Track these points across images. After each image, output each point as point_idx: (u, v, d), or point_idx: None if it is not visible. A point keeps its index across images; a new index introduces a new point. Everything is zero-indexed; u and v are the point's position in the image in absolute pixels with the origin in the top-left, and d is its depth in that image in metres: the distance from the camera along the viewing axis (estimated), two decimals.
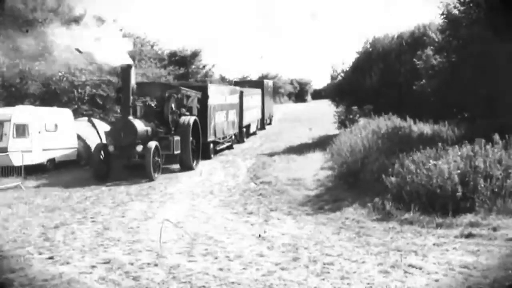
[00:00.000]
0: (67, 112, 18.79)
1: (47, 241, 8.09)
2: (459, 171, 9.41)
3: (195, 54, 41.75)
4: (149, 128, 15.80)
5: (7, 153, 15.05)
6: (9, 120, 15.49)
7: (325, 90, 48.53)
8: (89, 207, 11.03)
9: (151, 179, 14.63)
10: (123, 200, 11.73)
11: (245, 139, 26.45)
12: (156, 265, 6.80)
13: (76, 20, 26.06)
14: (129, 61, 15.66)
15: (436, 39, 15.36)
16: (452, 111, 15.35)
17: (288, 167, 16.12)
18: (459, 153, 10.22)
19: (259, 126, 31.41)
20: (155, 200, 11.77)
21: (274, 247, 7.65)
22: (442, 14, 14.24)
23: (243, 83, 35.31)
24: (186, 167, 17.03)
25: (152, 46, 33.27)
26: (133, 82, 15.46)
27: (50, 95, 22.50)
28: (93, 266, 6.72)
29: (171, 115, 16.90)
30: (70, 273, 6.46)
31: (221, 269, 6.60)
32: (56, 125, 17.39)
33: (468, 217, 8.49)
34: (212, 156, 20.17)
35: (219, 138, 21.57)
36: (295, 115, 43.92)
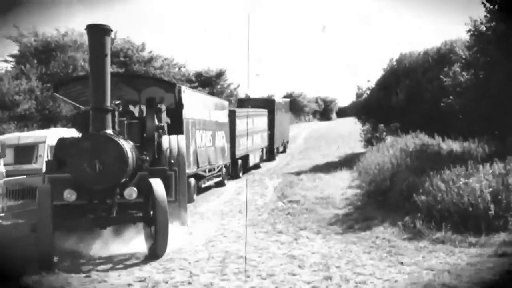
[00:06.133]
0: None
1: (84, 259, 8.28)
2: (491, 189, 9.32)
3: (220, 74, 42.35)
4: (134, 155, 8.86)
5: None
6: (44, 142, 15.95)
7: (350, 108, 48.28)
8: None
9: (158, 254, 8.21)
10: None
11: (240, 174, 20.20)
12: (189, 283, 6.92)
13: None
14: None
15: (463, 56, 15.27)
16: (482, 129, 15.17)
17: (315, 185, 16.13)
18: (491, 171, 10.12)
19: (264, 157, 24.95)
20: None
21: (305, 266, 7.68)
22: (469, 31, 14.21)
23: (248, 101, 27.67)
24: (177, 219, 9.65)
25: (179, 68, 33.92)
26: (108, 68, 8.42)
27: None
28: (129, 284, 6.89)
29: (157, 133, 10.19)
30: None
31: None
32: None
33: (502, 236, 8.39)
34: (194, 197, 14.27)
35: (204, 171, 15.46)
36: (320, 133, 43.89)
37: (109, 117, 8.39)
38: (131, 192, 8.37)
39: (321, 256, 8.21)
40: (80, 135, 9.59)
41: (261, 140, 24.05)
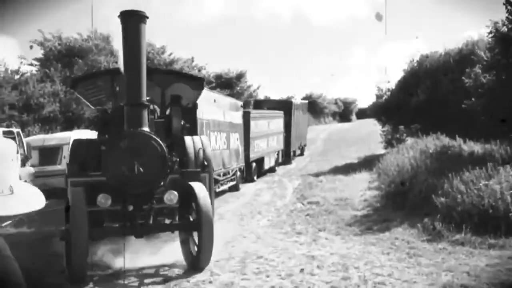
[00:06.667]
0: None
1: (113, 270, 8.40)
2: (511, 191, 9.27)
3: (240, 76, 42.58)
4: None
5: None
6: (68, 144, 16.32)
7: (370, 109, 47.85)
8: None
9: (202, 266, 7.58)
10: None
11: (255, 178, 19.65)
12: (210, 282, 7.07)
13: None
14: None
15: (485, 58, 15.15)
16: (504, 130, 15.01)
17: (334, 187, 16.18)
18: (511, 173, 10.06)
19: (280, 160, 24.17)
20: None
21: (324, 266, 7.77)
22: (490, 32, 14.11)
23: (265, 102, 28.29)
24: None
25: (199, 70, 34.26)
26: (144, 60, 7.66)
27: None
28: (153, 282, 7.07)
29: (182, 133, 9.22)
30: None
31: (273, 287, 6.80)
32: None
33: None
34: None
35: (218, 175, 14.59)
36: (340, 135, 43.75)
37: (145, 113, 7.58)
38: (172, 197, 7.47)
39: (339, 257, 8.29)
40: (96, 136, 9.22)
41: (276, 143, 23.37)
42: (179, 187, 7.75)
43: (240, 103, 19.34)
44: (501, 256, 7.75)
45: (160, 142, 7.45)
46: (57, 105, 22.59)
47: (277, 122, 23.58)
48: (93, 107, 11.50)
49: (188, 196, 7.66)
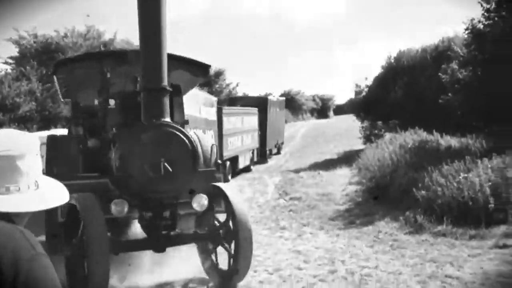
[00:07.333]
0: None
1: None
2: (490, 183, 9.52)
3: (219, 73, 42.48)
4: None
5: None
6: (45, 143, 16.09)
7: (347, 105, 48.35)
8: None
9: (235, 281, 6.53)
10: None
11: (229, 178, 17.95)
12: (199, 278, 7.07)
13: (105, 45, 27.02)
14: None
15: (462, 54, 15.46)
16: (480, 124, 15.36)
17: (316, 182, 16.32)
18: (490, 166, 10.32)
19: (255, 159, 23.08)
20: None
21: (310, 260, 7.86)
22: (467, 29, 14.40)
23: (239, 99, 27.27)
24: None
25: None
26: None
27: None
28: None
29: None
30: None
31: (261, 282, 6.86)
32: None
33: (502, 229, 8.60)
34: None
35: None
36: (318, 131, 44.10)
37: (167, 100, 6.11)
38: (203, 201, 6.15)
39: (325, 251, 8.40)
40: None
41: (251, 141, 22.13)
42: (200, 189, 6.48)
43: (215, 98, 18.70)
44: (482, 246, 7.98)
45: (189, 135, 6.13)
46: (33, 104, 22.12)
47: (251, 119, 22.55)
48: (62, 99, 10.15)
49: (210, 200, 6.39)
